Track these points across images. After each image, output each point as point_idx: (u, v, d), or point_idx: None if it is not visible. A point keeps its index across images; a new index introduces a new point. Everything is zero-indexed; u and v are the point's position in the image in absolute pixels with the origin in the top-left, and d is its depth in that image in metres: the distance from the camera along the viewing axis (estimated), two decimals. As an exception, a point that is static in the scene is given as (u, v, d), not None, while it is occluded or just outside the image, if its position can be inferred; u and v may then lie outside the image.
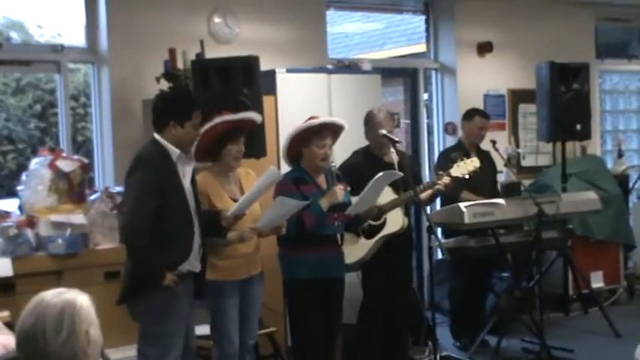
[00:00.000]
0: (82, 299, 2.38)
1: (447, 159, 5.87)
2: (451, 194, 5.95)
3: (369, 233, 5.23)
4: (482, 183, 6.27)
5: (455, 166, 5.33)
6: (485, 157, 6.49)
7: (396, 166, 5.22)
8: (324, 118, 4.93)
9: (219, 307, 4.55)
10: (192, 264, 4.20)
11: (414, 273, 7.71)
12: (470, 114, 6.64)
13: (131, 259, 4.13)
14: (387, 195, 5.18)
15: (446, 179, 5.28)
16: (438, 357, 5.51)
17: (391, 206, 5.24)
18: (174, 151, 4.12)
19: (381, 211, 5.20)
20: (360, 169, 5.19)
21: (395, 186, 5.18)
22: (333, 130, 4.88)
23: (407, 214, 5.41)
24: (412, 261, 5.73)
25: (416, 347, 6.16)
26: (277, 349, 5.50)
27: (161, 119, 4.17)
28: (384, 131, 5.30)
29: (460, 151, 6.41)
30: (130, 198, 4.16)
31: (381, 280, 5.30)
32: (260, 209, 4.60)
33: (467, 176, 5.35)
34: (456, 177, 5.31)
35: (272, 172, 4.38)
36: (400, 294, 5.47)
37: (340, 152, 5.41)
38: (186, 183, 4.19)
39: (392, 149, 5.28)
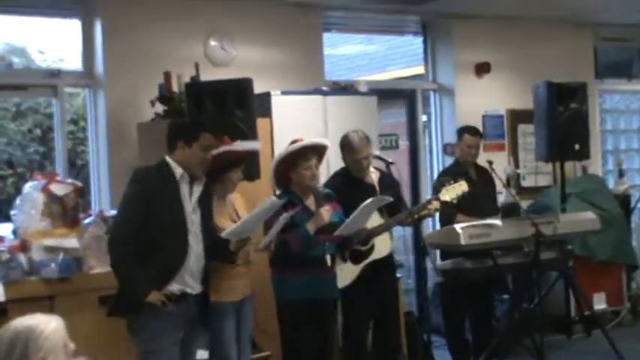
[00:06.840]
0: (46, 326, 2.34)
1: (439, 182, 5.84)
2: (447, 217, 5.95)
3: (356, 258, 5.17)
4: (482, 199, 6.21)
5: (443, 190, 5.27)
6: (484, 175, 6.45)
7: (377, 187, 5.24)
8: (307, 140, 4.90)
9: (219, 329, 4.54)
10: (187, 285, 4.16)
11: (414, 296, 7.72)
12: (460, 132, 6.55)
13: (112, 268, 4.15)
14: (373, 218, 5.12)
15: (435, 204, 5.23)
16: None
17: (381, 230, 5.20)
18: (178, 171, 4.18)
19: (370, 235, 5.14)
20: (341, 190, 5.11)
21: (379, 208, 5.12)
22: (317, 151, 4.90)
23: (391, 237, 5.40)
24: (397, 283, 5.65)
25: (414, 370, 6.12)
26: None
27: (172, 140, 4.28)
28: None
29: (457, 170, 6.39)
30: (118, 209, 4.28)
31: (363, 304, 5.22)
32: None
33: (455, 201, 5.29)
34: (445, 201, 5.26)
35: (272, 201, 4.39)
36: (386, 316, 5.38)
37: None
38: (190, 203, 4.19)
39: (372, 170, 5.30)
